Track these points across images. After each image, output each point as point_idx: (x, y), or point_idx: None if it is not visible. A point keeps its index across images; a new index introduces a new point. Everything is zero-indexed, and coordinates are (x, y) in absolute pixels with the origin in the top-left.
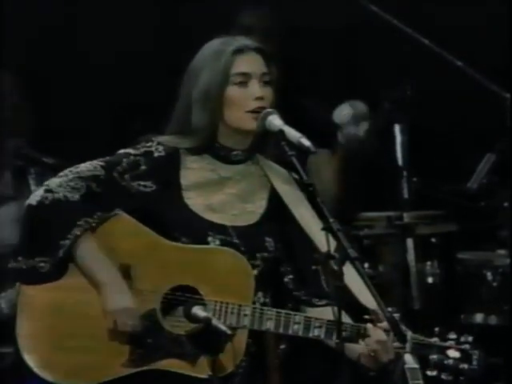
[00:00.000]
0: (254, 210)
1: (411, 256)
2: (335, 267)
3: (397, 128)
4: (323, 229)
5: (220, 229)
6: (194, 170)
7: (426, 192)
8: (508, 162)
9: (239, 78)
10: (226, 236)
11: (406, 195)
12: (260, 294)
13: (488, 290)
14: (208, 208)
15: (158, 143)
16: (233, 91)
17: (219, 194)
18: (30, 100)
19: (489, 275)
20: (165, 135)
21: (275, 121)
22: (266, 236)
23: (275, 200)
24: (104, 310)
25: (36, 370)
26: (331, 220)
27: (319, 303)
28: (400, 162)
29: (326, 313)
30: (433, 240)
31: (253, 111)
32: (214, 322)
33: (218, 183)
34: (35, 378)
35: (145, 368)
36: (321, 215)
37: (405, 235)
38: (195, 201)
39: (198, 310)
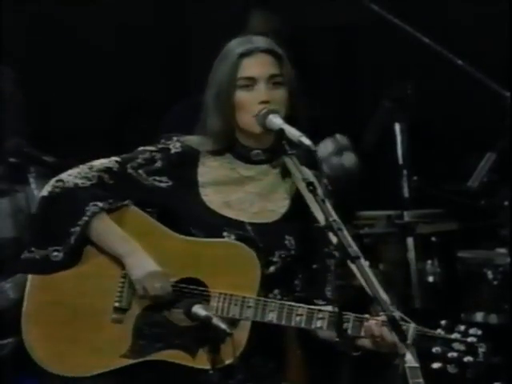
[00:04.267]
0: (275, 208)
1: (411, 255)
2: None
3: (397, 127)
4: (324, 227)
5: (236, 225)
6: (212, 169)
7: (427, 191)
8: (508, 160)
9: (244, 82)
10: (242, 231)
11: (406, 194)
12: (276, 291)
13: (488, 288)
14: (225, 205)
15: (177, 141)
16: (240, 95)
17: (239, 193)
18: (29, 99)
19: (489, 274)
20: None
21: (275, 119)
22: (287, 234)
23: (299, 201)
24: (132, 280)
25: (39, 361)
26: (331, 219)
27: (319, 303)
28: (400, 160)
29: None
30: (433, 239)
31: (258, 115)
32: (215, 320)
33: (239, 182)
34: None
35: (145, 359)
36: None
37: (405, 234)
38: (212, 197)
39: (198, 309)
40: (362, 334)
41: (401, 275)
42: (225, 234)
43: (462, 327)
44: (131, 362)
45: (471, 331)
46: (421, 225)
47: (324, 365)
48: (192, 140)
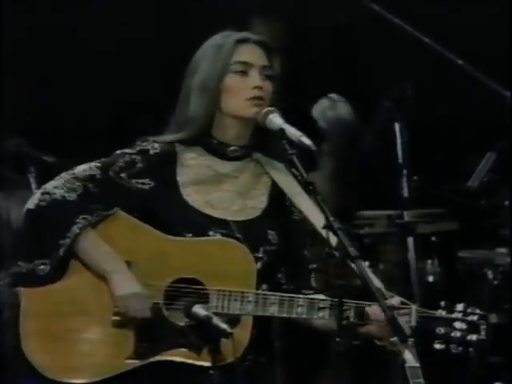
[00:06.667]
0: (254, 205)
1: (412, 254)
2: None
3: (397, 127)
4: (324, 227)
5: (221, 223)
6: (190, 168)
7: (427, 190)
8: (508, 160)
9: (240, 66)
10: (227, 230)
11: (406, 194)
12: (264, 286)
13: (488, 288)
14: (207, 204)
15: (154, 141)
16: (232, 79)
17: (217, 191)
18: (30, 99)
19: (489, 274)
20: (165, 131)
21: (276, 119)
22: (269, 229)
23: (276, 195)
24: (114, 297)
25: (42, 370)
26: (332, 218)
27: (307, 292)
28: (400, 160)
29: None
30: (433, 239)
31: (251, 99)
32: (215, 320)
33: (216, 180)
34: (29, 375)
35: (151, 360)
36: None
37: (405, 234)
38: (194, 197)
39: (198, 309)
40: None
41: (401, 275)
42: (211, 233)
43: (461, 306)
44: (138, 363)
45: (470, 310)
46: (421, 225)
47: (324, 365)
48: (167, 138)
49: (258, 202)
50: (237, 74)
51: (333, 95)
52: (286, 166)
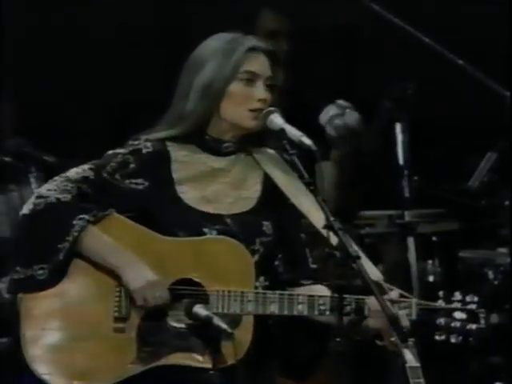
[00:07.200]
0: (249, 195)
1: (412, 255)
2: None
3: (397, 127)
4: (324, 227)
5: (216, 219)
6: (185, 164)
7: (427, 190)
8: (508, 160)
9: (248, 75)
10: (222, 226)
11: (406, 194)
12: (262, 278)
13: (489, 288)
14: (203, 200)
15: (146, 140)
16: (238, 87)
17: (213, 185)
18: (30, 99)
19: (490, 274)
20: (156, 126)
21: (276, 119)
22: (264, 220)
23: (269, 183)
24: (130, 291)
25: (46, 377)
26: (332, 219)
27: (306, 283)
28: (401, 160)
29: (312, 290)
30: (434, 239)
31: (254, 110)
32: (215, 320)
33: (211, 175)
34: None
35: (154, 365)
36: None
37: (406, 234)
38: (189, 194)
39: (199, 309)
40: (366, 313)
41: (401, 275)
42: (205, 230)
43: (459, 295)
44: (140, 369)
45: (468, 298)
46: (422, 224)
47: (324, 365)
48: (160, 135)
49: (252, 192)
50: (242, 83)
51: (340, 101)
52: (280, 152)
